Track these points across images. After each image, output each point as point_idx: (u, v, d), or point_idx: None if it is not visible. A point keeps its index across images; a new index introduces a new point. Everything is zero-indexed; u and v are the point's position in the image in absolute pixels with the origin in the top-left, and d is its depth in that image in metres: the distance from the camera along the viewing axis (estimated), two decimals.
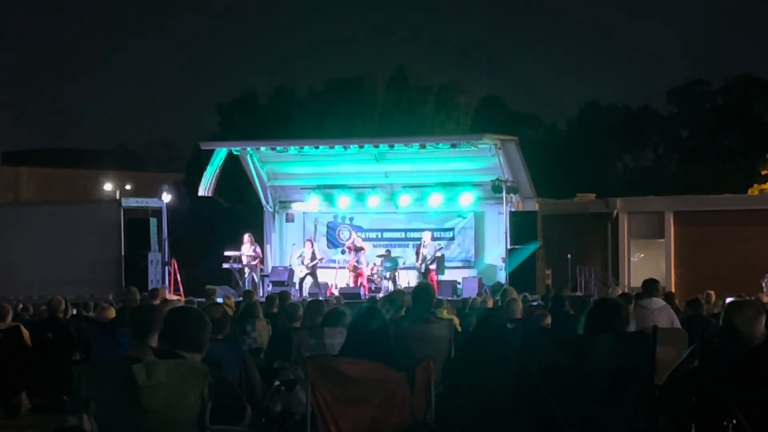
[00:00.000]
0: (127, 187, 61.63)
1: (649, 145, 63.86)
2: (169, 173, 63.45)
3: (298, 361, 9.74)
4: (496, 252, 30.42)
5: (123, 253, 30.66)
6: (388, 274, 29.25)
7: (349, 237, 31.37)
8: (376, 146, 30.91)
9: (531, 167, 30.89)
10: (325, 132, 41.12)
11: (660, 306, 12.85)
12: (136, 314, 7.16)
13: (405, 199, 30.83)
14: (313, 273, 29.60)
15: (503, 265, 29.43)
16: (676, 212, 34.80)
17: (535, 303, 18.81)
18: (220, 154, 31.12)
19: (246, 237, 30.23)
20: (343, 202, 31.39)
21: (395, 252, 30.32)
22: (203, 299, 20.28)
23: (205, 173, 31.25)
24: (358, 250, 29.67)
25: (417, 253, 29.32)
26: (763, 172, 50.77)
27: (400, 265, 29.81)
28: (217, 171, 31.08)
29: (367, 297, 26.81)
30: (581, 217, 35.33)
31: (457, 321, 13.16)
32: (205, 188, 31.21)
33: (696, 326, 12.33)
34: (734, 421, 6.58)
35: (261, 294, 27.96)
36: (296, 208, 32.45)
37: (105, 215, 31.64)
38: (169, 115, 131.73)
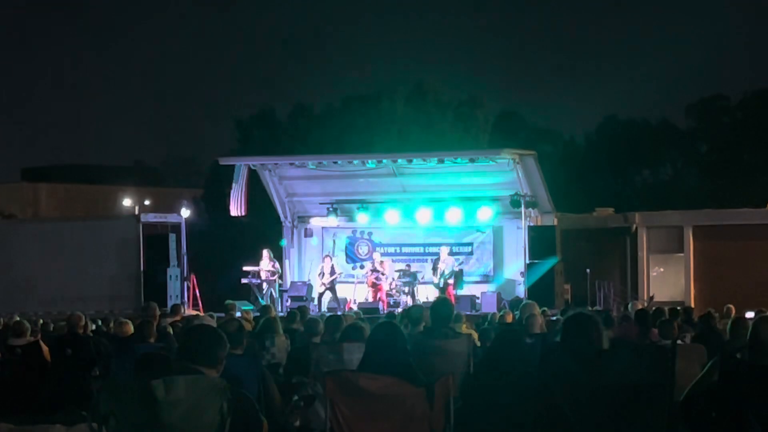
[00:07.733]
0: (146, 202, 61.77)
1: (667, 159, 63.67)
2: (188, 189, 63.67)
3: (316, 376, 9.73)
4: (514, 267, 30.34)
5: (142, 268, 30.69)
6: (406, 289, 29.22)
7: (368, 252, 31.35)
8: (395, 161, 30.87)
9: (549, 182, 30.84)
10: (344, 147, 41.11)
11: None
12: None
13: (423, 214, 30.77)
14: (331, 288, 29.61)
15: (522, 279, 29.36)
16: (695, 227, 34.63)
17: (554, 318, 18.77)
18: (241, 171, 31.08)
19: (265, 252, 30.25)
20: (362, 217, 31.39)
21: (414, 267, 30.28)
22: (222, 314, 20.34)
23: (231, 192, 31.09)
24: (378, 270, 29.58)
25: (435, 268, 29.26)
26: None
27: (419, 279, 29.78)
28: (243, 188, 30.96)
29: (385, 312, 26.77)
30: (600, 232, 35.20)
31: (475, 336, 13.13)
32: (237, 208, 31.00)
33: (709, 340, 12.30)
34: None
35: (280, 309, 27.99)
36: (314, 223, 32.46)
37: (124, 231, 31.65)
38: (187, 131, 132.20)
